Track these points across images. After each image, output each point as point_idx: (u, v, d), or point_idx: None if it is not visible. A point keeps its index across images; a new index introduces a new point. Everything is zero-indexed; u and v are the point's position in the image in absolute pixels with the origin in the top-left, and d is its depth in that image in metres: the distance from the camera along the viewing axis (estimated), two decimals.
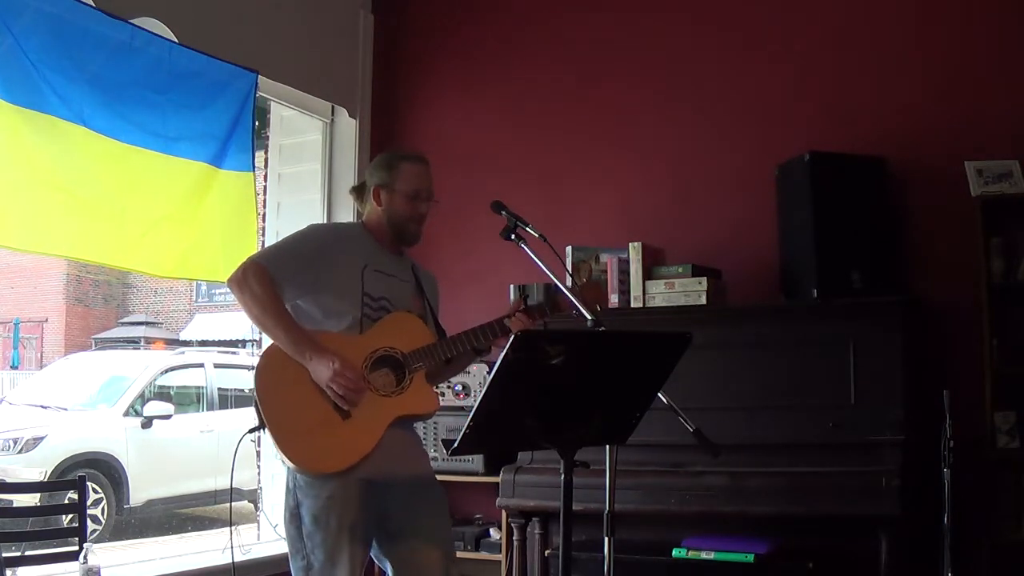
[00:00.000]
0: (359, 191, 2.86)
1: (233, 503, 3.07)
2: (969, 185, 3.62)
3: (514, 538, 3.84)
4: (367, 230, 2.79)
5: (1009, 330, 3.57)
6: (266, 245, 4.49)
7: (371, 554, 2.66)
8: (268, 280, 2.54)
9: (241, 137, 3.87)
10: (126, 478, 7.88)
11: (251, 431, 3.07)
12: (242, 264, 2.60)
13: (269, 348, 2.59)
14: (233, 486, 2.96)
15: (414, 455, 2.73)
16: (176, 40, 3.65)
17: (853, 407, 3.45)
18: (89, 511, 3.41)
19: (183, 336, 17.56)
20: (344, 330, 2.60)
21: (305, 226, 2.86)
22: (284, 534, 2.66)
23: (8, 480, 6.74)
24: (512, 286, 4.08)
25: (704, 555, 3.38)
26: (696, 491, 3.43)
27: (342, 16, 4.74)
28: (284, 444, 2.47)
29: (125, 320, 18.74)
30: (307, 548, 2.52)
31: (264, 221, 4.57)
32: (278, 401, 2.51)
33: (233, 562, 3.51)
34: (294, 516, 2.56)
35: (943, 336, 3.77)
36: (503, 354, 1.92)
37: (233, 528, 4.09)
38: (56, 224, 3.22)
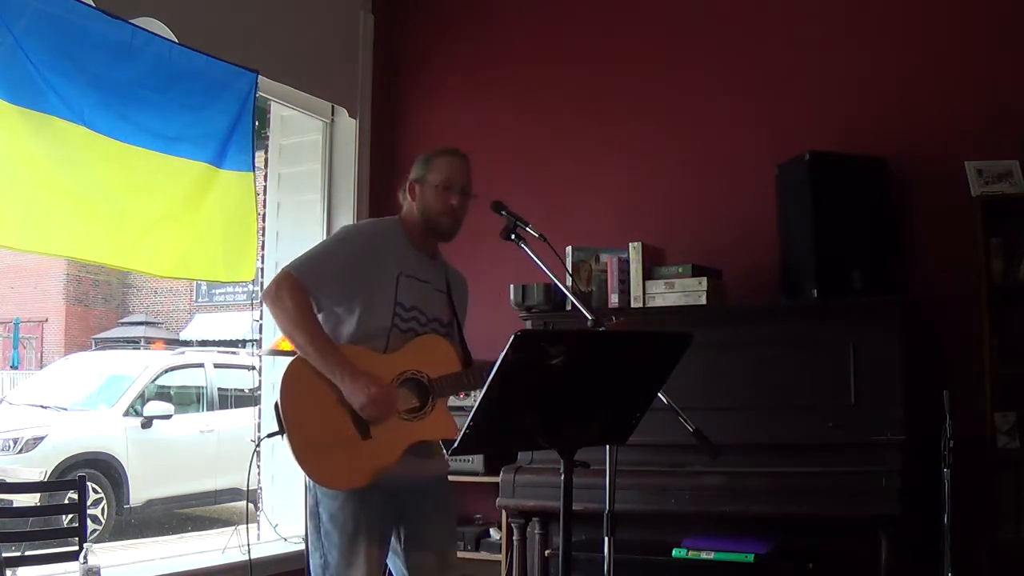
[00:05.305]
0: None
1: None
2: (969, 185, 3.62)
3: (514, 538, 3.84)
4: (403, 227, 2.78)
5: (1009, 330, 3.57)
6: (265, 243, 4.50)
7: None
8: (301, 293, 2.54)
9: (241, 137, 3.86)
10: (126, 478, 7.89)
11: (270, 435, 3.17)
12: (276, 277, 2.60)
13: (296, 359, 2.58)
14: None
15: (432, 459, 2.74)
16: (176, 40, 3.65)
17: (853, 407, 3.45)
18: (89, 511, 3.41)
19: (183, 336, 17.59)
20: (373, 336, 2.60)
21: (340, 229, 2.84)
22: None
23: (8, 480, 6.73)
24: (512, 286, 4.08)
25: (704, 555, 3.38)
26: (696, 491, 3.43)
27: (342, 16, 4.73)
28: (303, 457, 2.50)
29: (125, 320, 18.76)
30: (324, 547, 2.57)
31: (264, 221, 4.56)
32: (301, 414, 2.52)
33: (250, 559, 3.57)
34: (313, 515, 2.59)
35: (943, 336, 3.78)
36: (503, 354, 1.92)
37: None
38: (56, 224, 3.21)
